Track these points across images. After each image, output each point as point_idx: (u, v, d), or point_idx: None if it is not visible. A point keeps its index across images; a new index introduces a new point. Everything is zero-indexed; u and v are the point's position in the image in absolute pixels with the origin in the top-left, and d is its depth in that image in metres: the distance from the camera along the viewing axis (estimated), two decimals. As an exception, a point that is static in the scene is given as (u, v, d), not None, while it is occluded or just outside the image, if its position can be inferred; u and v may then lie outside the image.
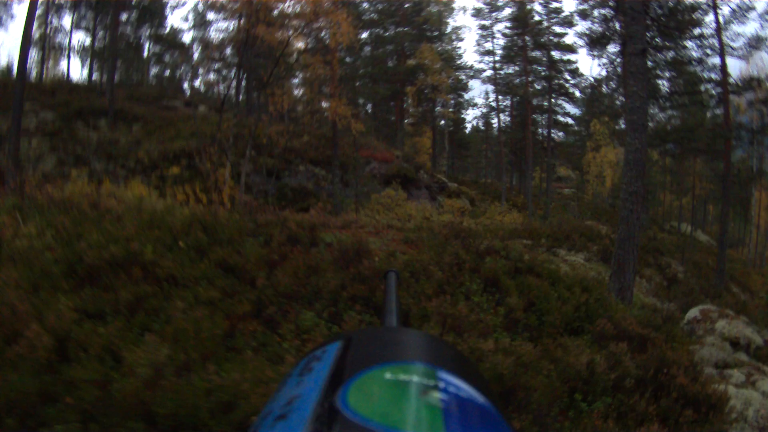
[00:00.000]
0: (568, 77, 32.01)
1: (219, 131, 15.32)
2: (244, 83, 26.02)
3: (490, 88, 35.71)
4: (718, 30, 17.55)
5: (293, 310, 5.18)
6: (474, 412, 0.34)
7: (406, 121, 36.70)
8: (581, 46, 30.13)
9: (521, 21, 30.99)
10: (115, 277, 5.33)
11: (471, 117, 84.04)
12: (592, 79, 30.96)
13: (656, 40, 12.00)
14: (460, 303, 6.04)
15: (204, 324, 4.50)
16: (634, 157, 8.37)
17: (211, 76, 38.00)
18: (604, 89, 29.33)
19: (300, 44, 17.60)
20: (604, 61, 20.29)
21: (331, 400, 0.32)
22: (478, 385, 0.38)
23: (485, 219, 22.77)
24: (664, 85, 20.53)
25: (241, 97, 27.55)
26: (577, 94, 33.12)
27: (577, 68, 31.73)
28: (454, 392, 0.35)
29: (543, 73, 31.47)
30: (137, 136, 19.95)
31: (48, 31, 31.21)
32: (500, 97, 34.45)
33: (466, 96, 39.66)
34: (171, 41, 39.25)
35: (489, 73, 33.74)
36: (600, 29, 18.76)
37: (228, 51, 26.91)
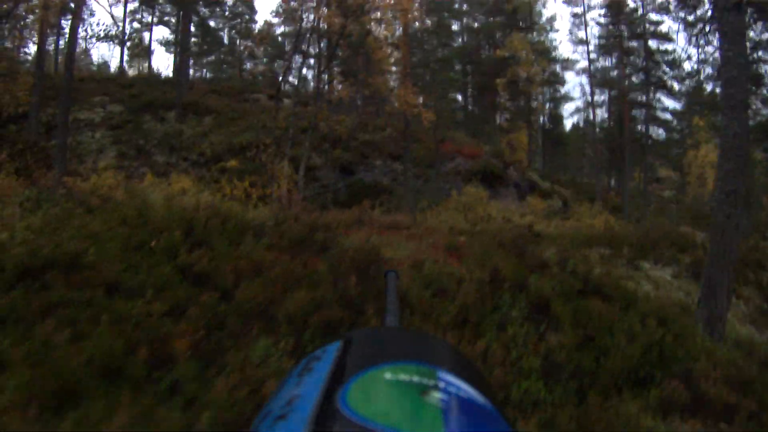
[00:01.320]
0: (667, 69, 29.02)
1: (274, 121, 14.45)
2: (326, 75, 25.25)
3: (586, 80, 33.18)
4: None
5: (251, 334, 3.98)
6: (474, 412, 0.33)
7: (501, 116, 34.69)
8: (678, 32, 27.19)
9: (615, 7, 28.41)
10: (54, 279, 4.36)
11: (568, 113, 79.71)
12: (691, 68, 27.79)
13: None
14: (488, 334, 4.63)
15: (101, 347, 3.40)
16: (731, 144, 6.42)
17: (305, 71, 37.32)
18: (703, 74, 26.08)
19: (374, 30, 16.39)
20: (696, 31, 17.73)
21: (331, 400, 0.32)
22: (478, 385, 0.37)
23: (574, 221, 20.82)
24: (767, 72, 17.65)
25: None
26: (677, 86, 29.94)
27: (675, 59, 28.65)
28: (454, 392, 0.34)
29: (641, 65, 28.70)
30: (206, 128, 19.53)
31: (130, 25, 31.78)
32: (596, 91, 31.83)
33: (563, 90, 36.90)
34: (261, 36, 39.24)
35: (584, 64, 31.32)
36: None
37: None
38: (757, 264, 10.62)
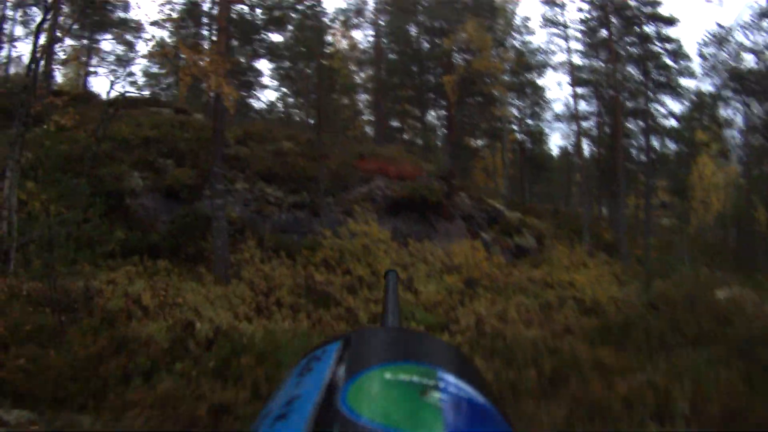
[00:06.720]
0: (670, 62, 22.30)
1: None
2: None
3: (567, 80, 26.41)
4: None
5: None
6: (474, 412, 0.34)
7: (465, 130, 27.23)
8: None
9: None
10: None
11: (553, 130, 70.63)
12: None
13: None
14: None
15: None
16: None
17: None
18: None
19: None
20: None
21: (331, 400, 0.32)
22: (478, 385, 0.38)
23: (544, 269, 13.95)
24: None
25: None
26: (683, 82, 22.96)
27: (679, 48, 22.17)
28: (454, 392, 0.35)
29: (635, 55, 22.04)
30: None
31: None
32: (582, 99, 24.55)
33: (544, 101, 29.75)
34: None
35: (562, 57, 24.56)
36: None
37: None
38: None
